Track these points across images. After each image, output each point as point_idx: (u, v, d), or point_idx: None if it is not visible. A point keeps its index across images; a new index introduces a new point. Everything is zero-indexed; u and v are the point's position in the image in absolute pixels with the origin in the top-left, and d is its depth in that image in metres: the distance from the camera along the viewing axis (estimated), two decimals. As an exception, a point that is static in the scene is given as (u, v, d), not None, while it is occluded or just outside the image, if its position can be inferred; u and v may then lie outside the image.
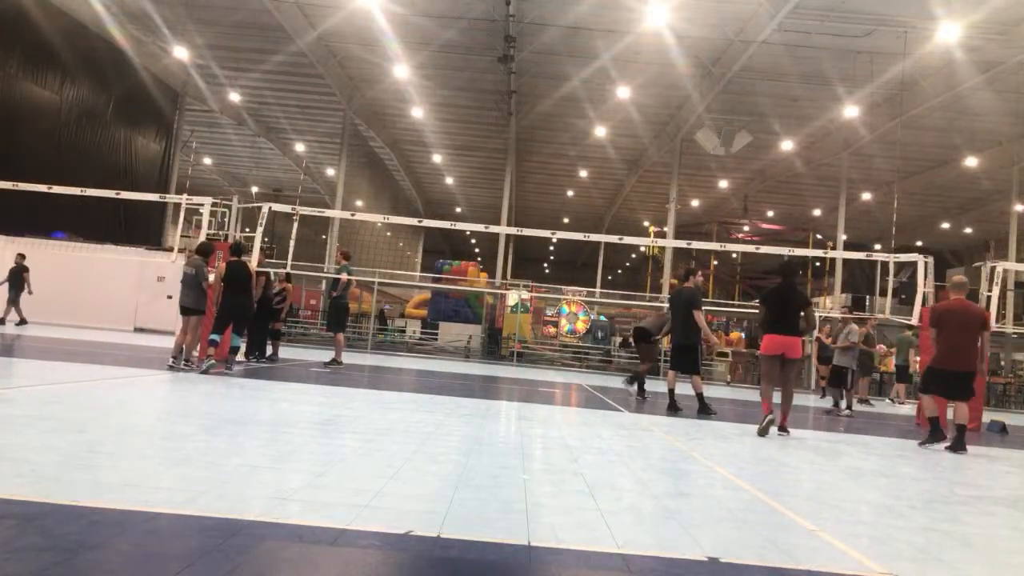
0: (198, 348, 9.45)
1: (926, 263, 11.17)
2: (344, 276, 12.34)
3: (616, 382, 16.85)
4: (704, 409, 8.83)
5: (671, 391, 9.08)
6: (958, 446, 7.08)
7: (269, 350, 12.19)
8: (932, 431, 7.29)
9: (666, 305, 11.51)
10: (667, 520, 3.23)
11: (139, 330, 19.53)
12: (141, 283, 20.06)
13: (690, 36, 19.66)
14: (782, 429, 7.28)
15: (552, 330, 31.24)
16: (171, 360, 8.94)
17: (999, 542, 3.44)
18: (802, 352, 7.77)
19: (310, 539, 2.49)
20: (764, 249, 15.03)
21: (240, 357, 10.23)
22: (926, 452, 7.03)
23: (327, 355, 13.01)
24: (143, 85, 25.87)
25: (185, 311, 9.14)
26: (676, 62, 21.12)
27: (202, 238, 10.53)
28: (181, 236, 13.47)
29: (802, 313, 7.30)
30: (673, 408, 8.86)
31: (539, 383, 13.67)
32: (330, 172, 36.01)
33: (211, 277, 9.32)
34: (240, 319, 9.34)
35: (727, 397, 14.17)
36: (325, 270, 27.51)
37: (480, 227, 14.07)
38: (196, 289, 9.20)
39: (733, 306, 28.51)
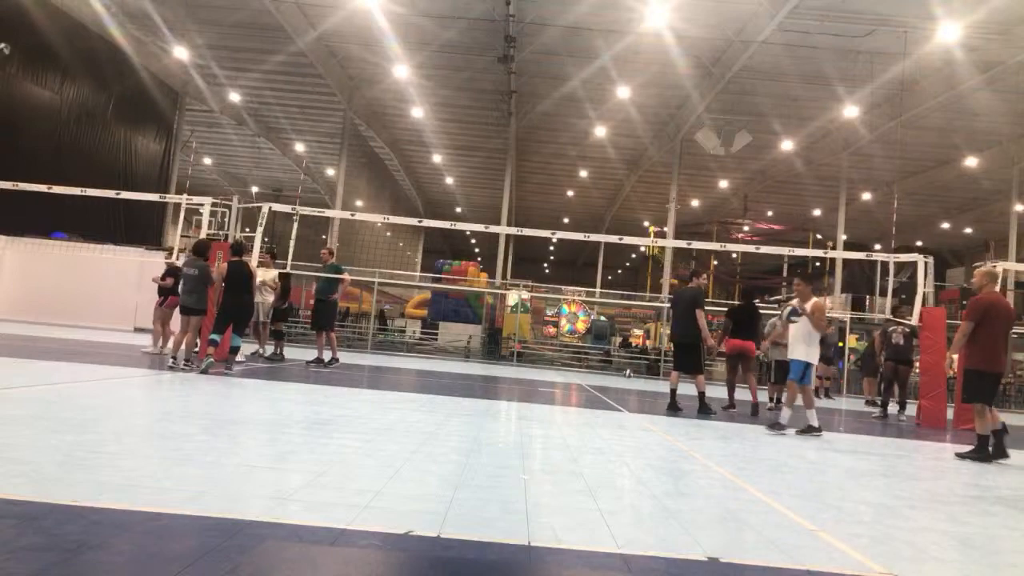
0: (198, 347, 9.45)
1: (926, 263, 11.17)
2: (347, 276, 12.27)
3: (615, 382, 16.83)
4: (704, 409, 8.83)
5: (672, 391, 9.09)
6: (1000, 454, 6.61)
7: (271, 349, 12.18)
8: (979, 448, 6.58)
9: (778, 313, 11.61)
10: (667, 520, 3.23)
11: (139, 330, 19.51)
12: (141, 283, 20.02)
13: (690, 36, 19.67)
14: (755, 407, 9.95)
15: (552, 330, 31.28)
16: (171, 360, 8.95)
17: (999, 542, 3.44)
18: (755, 352, 10.22)
19: (310, 539, 2.49)
20: (764, 249, 15.04)
21: (240, 357, 10.22)
22: (925, 452, 7.02)
23: (326, 355, 12.98)
24: (143, 85, 25.87)
25: (186, 311, 9.15)
26: (676, 62, 21.14)
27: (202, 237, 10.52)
28: (181, 236, 13.46)
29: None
30: (673, 408, 8.87)
31: (539, 383, 13.66)
32: (330, 172, 36.03)
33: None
34: (240, 319, 9.35)
35: (726, 397, 14.08)
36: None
37: (480, 227, 14.06)
38: (197, 289, 9.20)
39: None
